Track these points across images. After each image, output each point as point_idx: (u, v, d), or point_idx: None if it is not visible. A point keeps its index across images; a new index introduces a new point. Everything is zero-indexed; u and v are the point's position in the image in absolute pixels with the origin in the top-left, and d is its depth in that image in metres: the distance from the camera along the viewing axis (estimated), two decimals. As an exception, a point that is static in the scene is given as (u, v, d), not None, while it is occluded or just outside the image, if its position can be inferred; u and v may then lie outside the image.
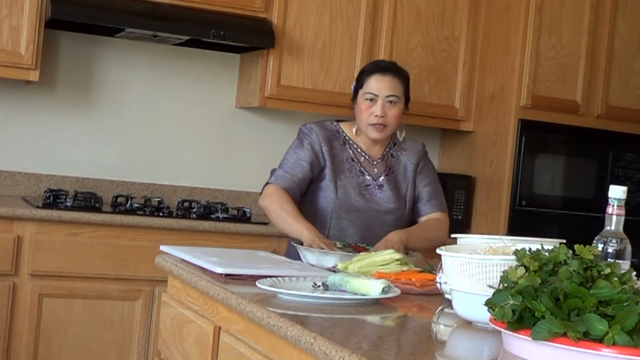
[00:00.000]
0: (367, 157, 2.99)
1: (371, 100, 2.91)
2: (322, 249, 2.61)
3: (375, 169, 2.99)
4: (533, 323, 1.35)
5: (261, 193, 2.95)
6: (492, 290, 1.49)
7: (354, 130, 3.01)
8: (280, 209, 2.85)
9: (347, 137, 3.01)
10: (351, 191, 2.93)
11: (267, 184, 2.95)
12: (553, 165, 4.47)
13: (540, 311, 1.35)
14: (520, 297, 1.40)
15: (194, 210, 4.01)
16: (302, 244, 2.71)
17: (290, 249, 3.00)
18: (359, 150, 3.00)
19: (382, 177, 2.98)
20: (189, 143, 4.42)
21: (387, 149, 3.04)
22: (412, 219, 3.04)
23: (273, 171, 2.99)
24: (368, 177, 2.97)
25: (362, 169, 2.97)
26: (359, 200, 2.92)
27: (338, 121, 3.07)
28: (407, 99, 2.98)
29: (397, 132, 3.04)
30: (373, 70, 2.94)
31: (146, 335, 3.74)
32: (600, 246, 1.85)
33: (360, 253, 2.53)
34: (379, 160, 3.01)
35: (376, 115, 2.90)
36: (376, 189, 2.96)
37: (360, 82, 2.96)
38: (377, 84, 2.91)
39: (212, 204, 4.09)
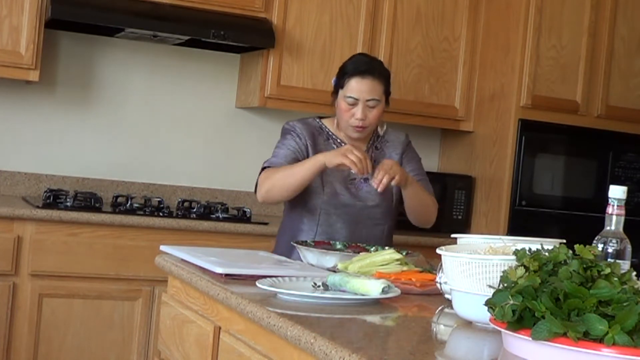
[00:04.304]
0: None
1: (351, 103, 2.89)
2: (357, 159, 2.65)
3: None
4: (533, 323, 1.35)
5: (255, 187, 2.92)
6: (492, 290, 1.49)
7: (334, 123, 3.02)
8: (278, 174, 2.82)
9: (330, 133, 3.01)
10: (338, 186, 2.92)
11: (260, 173, 2.93)
12: (553, 165, 4.47)
13: (540, 311, 1.35)
14: (520, 297, 1.40)
15: (194, 210, 4.01)
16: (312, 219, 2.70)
17: (278, 248, 3.00)
18: (342, 144, 2.98)
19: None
20: (189, 143, 4.42)
21: (370, 142, 3.03)
22: (399, 211, 3.01)
23: (264, 164, 2.98)
24: (353, 171, 2.91)
25: None
26: (345, 195, 2.92)
27: (320, 117, 3.06)
28: (388, 95, 2.96)
29: (378, 127, 3.04)
30: (353, 73, 2.91)
31: (146, 335, 3.74)
32: (600, 246, 1.85)
33: (360, 253, 2.53)
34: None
35: (357, 118, 2.89)
36: (362, 183, 2.95)
37: (341, 82, 2.93)
38: (358, 87, 2.88)
39: (212, 204, 4.09)
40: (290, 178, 2.81)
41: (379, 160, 2.99)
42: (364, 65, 2.95)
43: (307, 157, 2.91)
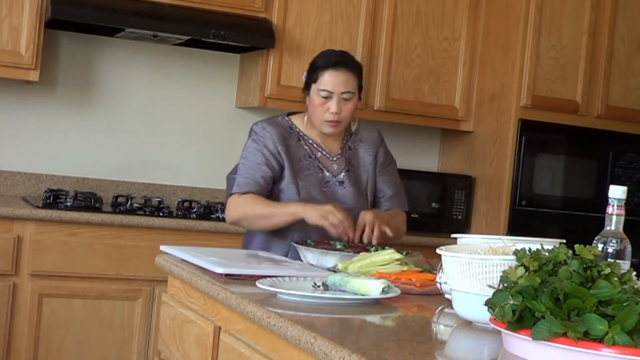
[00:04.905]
0: (324, 152, 2.92)
1: (326, 97, 2.83)
2: (338, 221, 2.62)
3: (335, 165, 2.92)
4: (533, 323, 1.35)
5: (225, 208, 2.86)
6: (492, 290, 1.49)
7: (305, 121, 2.94)
8: (252, 210, 2.77)
9: (301, 133, 2.93)
10: (313, 190, 2.85)
11: (230, 195, 2.85)
12: (553, 165, 4.47)
13: (540, 311, 1.35)
14: (520, 297, 1.40)
15: (194, 210, 4.01)
16: (303, 241, 2.69)
17: (245, 241, 2.97)
18: (314, 145, 2.92)
19: (343, 174, 2.90)
20: (189, 143, 4.42)
21: (344, 142, 2.97)
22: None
23: (231, 179, 2.89)
24: (327, 174, 2.88)
25: (320, 164, 2.90)
26: (321, 200, 2.81)
27: (290, 114, 2.99)
28: (360, 90, 2.91)
29: (350, 123, 2.98)
30: (326, 66, 2.85)
31: (146, 335, 3.74)
32: (600, 246, 1.85)
33: (360, 253, 2.53)
34: (339, 156, 2.94)
35: (331, 112, 2.83)
36: (336, 186, 2.89)
37: (313, 77, 2.87)
38: (332, 80, 2.82)
39: (212, 204, 4.09)
40: (264, 220, 2.78)
41: (353, 162, 2.96)
42: (336, 57, 2.91)
43: (279, 164, 2.84)
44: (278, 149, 2.85)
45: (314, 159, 2.90)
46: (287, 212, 2.74)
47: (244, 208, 2.80)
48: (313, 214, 2.68)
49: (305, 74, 2.94)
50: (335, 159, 2.93)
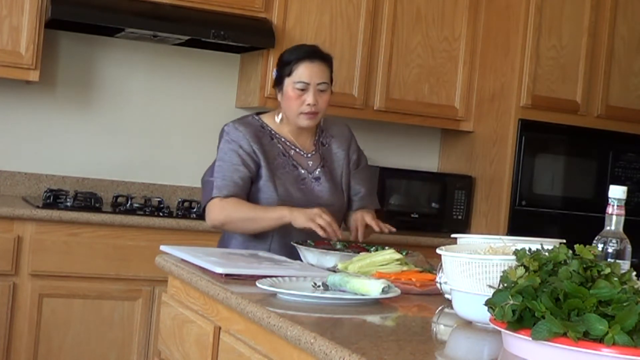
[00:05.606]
0: (297, 149, 2.90)
1: (302, 89, 2.82)
2: (326, 223, 2.62)
3: (310, 162, 2.91)
4: (533, 323, 1.35)
5: (204, 212, 2.84)
6: (492, 290, 1.49)
7: (277, 119, 2.92)
8: (238, 214, 2.76)
9: (272, 131, 2.91)
10: (290, 188, 2.84)
11: (209, 200, 2.82)
12: (553, 165, 4.47)
13: (540, 311, 1.35)
14: (520, 297, 1.40)
15: (194, 210, 4.01)
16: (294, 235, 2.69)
17: (222, 242, 2.96)
18: (287, 143, 2.90)
19: (319, 170, 2.90)
20: (189, 143, 4.42)
21: (317, 138, 2.96)
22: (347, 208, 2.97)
23: (207, 183, 2.87)
24: (302, 171, 2.87)
25: (294, 162, 2.88)
26: (299, 197, 2.81)
27: (258, 114, 2.97)
28: (331, 82, 2.91)
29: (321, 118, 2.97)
30: (301, 57, 2.84)
31: (146, 335, 3.74)
32: (600, 246, 1.85)
33: (360, 253, 2.53)
34: (313, 153, 2.93)
35: (308, 104, 2.81)
36: (313, 182, 2.88)
37: (287, 71, 2.85)
38: (308, 72, 2.82)
39: (212, 204, 4.09)
40: (249, 224, 2.77)
41: (327, 157, 2.95)
42: (309, 49, 2.92)
43: (256, 162, 2.82)
44: (253, 148, 2.84)
45: (287, 157, 2.88)
46: (273, 216, 2.73)
47: (228, 211, 2.78)
48: (300, 217, 2.67)
49: (274, 70, 2.93)
50: (309, 155, 2.92)
